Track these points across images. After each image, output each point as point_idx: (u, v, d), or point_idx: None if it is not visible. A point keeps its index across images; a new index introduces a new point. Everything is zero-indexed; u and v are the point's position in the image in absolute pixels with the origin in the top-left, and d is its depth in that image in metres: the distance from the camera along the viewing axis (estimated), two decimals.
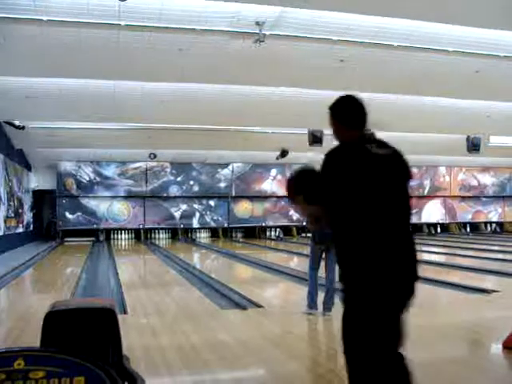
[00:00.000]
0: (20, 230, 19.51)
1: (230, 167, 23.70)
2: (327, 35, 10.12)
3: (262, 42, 9.71)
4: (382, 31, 10.05)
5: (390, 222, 2.77)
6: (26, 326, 6.25)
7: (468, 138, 18.48)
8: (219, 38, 10.02)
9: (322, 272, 7.02)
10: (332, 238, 2.91)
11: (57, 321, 2.03)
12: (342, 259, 2.83)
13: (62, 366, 1.04)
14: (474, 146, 18.51)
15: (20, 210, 19.66)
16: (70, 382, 1.00)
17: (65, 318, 2.07)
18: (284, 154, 20.42)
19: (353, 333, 2.79)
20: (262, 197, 24.09)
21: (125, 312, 7.13)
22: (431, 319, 6.92)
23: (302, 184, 2.93)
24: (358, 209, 2.69)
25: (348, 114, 3.04)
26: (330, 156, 2.80)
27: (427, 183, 26.17)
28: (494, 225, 27.85)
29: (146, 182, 22.94)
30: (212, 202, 23.80)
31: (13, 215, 18.24)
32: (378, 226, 2.72)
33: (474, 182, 27.02)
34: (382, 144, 2.98)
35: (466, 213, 27.13)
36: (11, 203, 18.01)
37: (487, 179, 27.23)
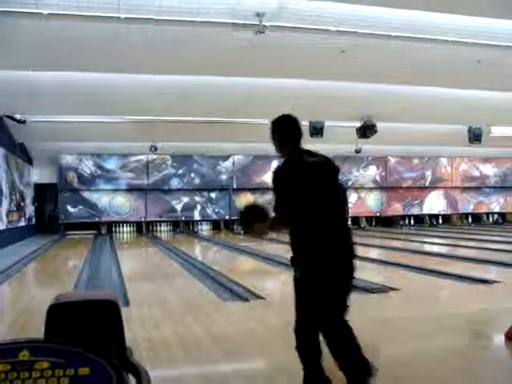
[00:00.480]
0: (22, 223, 19.54)
1: (231, 159, 23.70)
2: (327, 26, 10.09)
3: (263, 33, 9.69)
4: (383, 21, 10.01)
5: (329, 214, 3.50)
6: (30, 319, 6.28)
7: (470, 129, 18.46)
8: (219, 30, 9.99)
9: None
10: (291, 234, 3.63)
11: (60, 313, 2.04)
12: (295, 246, 3.61)
13: (66, 357, 1.05)
14: (475, 137, 18.49)
15: (22, 204, 19.68)
16: (74, 372, 1.00)
17: (68, 310, 2.08)
18: None
19: (309, 301, 3.55)
20: (264, 189, 24.07)
21: (127, 304, 7.15)
22: (433, 310, 6.94)
23: (250, 217, 3.80)
24: (305, 206, 3.45)
25: (288, 132, 3.71)
26: (277, 172, 3.58)
27: (429, 174, 26.16)
28: (495, 215, 27.86)
29: (147, 175, 22.95)
30: (213, 195, 23.82)
31: (15, 209, 18.26)
32: (321, 218, 3.47)
33: (476, 173, 26.99)
34: (313, 154, 3.66)
35: (468, 204, 27.13)
36: (13, 197, 18.03)
37: (489, 170, 27.20)
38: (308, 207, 3.45)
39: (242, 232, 3.78)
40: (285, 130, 3.71)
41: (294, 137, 3.69)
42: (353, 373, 3.54)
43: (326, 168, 3.61)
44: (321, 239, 3.45)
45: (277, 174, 3.58)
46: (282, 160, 3.64)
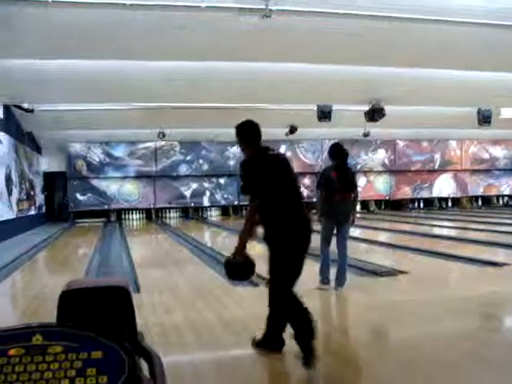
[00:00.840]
0: (32, 212, 19.64)
1: None
2: (335, 9, 10.01)
3: (269, 17, 9.63)
4: (390, 3, 9.92)
5: (289, 197, 4.40)
6: (42, 306, 6.34)
7: (479, 111, 18.33)
8: (225, 15, 9.94)
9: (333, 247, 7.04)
10: (260, 215, 4.36)
11: (72, 299, 2.06)
12: (265, 224, 4.39)
13: (79, 341, 1.06)
14: (484, 119, 18.36)
15: (32, 193, 19.77)
16: (87, 356, 1.01)
17: (80, 296, 2.10)
18: (293, 130, 20.39)
19: (273, 267, 4.42)
20: None
21: (138, 291, 7.19)
22: (443, 293, 6.94)
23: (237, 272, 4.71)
24: (270, 190, 4.33)
25: (250, 135, 4.73)
26: (246, 163, 4.56)
27: (438, 157, 26.03)
28: (505, 198, 27.73)
29: (156, 162, 22.98)
30: (222, 180, 23.84)
31: (25, 198, 18.35)
32: (284, 200, 4.35)
33: (486, 155, 26.84)
34: (270, 149, 4.72)
35: (478, 186, 27.00)
36: (23, 186, 18.11)
37: (498, 152, 27.03)
38: (271, 188, 4.35)
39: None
40: (247, 133, 4.74)
41: (255, 138, 4.70)
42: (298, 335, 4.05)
43: (282, 159, 4.79)
44: (281, 217, 4.32)
45: (245, 164, 4.54)
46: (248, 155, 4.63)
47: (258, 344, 4.43)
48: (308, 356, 3.83)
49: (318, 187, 7.39)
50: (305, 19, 10.24)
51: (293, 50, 11.75)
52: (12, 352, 1.02)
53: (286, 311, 4.29)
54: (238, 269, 4.57)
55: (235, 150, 23.60)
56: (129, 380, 0.99)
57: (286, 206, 4.35)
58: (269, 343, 4.39)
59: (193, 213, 23.87)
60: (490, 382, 3.78)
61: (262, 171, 4.42)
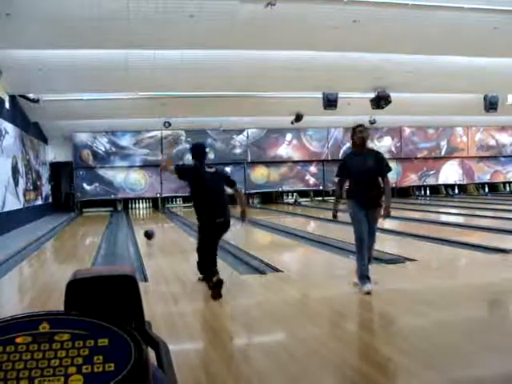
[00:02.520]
0: (39, 202, 19.71)
1: (245, 133, 23.65)
2: None
3: (274, 5, 9.59)
4: None
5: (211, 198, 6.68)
6: (49, 295, 6.36)
7: (485, 97, 18.24)
8: (230, 3, 9.91)
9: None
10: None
11: (79, 289, 2.05)
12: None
13: (86, 328, 1.06)
14: (491, 105, 18.26)
15: (38, 183, 19.83)
16: (94, 343, 1.01)
17: (87, 285, 2.09)
18: (299, 118, 20.35)
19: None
20: (278, 162, 24.07)
21: (145, 280, 7.22)
22: (451, 280, 6.94)
23: None
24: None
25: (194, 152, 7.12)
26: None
27: (444, 144, 25.94)
28: None
29: (162, 151, 23.00)
30: (228, 169, 23.82)
31: (32, 188, 18.40)
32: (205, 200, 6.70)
33: (492, 142, 26.72)
34: (209, 167, 7.04)
35: (484, 173, 26.91)
36: (29, 176, 18.16)
37: (505, 138, 26.92)
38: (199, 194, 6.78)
39: None
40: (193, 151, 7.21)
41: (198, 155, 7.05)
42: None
43: (217, 175, 7.08)
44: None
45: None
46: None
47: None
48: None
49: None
50: (309, 6, 10.20)
51: (298, 38, 11.72)
52: (19, 340, 1.02)
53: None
54: None
55: (241, 139, 23.60)
56: (136, 367, 0.98)
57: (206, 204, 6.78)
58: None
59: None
60: (500, 369, 3.79)
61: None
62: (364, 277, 6.10)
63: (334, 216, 6.82)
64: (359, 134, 6.38)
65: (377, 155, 6.57)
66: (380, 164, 6.45)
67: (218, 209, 6.63)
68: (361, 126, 6.46)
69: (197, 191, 6.72)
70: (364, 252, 6.25)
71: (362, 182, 6.30)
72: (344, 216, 6.89)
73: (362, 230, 6.26)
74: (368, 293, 5.88)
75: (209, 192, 6.61)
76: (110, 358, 0.99)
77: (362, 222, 6.26)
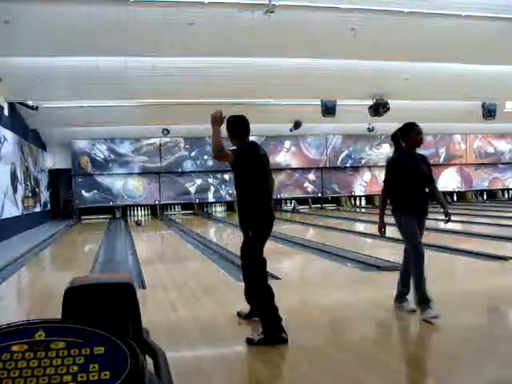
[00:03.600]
0: (38, 209, 19.70)
1: None
2: (337, 3, 10.01)
3: (272, 12, 9.63)
4: None
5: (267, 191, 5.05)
6: (47, 303, 6.35)
7: (483, 105, 18.28)
8: (228, 11, 9.94)
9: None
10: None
11: (76, 296, 2.06)
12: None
13: (82, 336, 1.06)
14: (489, 113, 18.30)
15: (37, 190, 19.82)
16: (90, 351, 1.02)
17: (84, 293, 2.10)
18: (297, 125, 20.37)
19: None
20: (276, 169, 24.04)
21: (143, 287, 7.20)
22: (449, 287, 6.93)
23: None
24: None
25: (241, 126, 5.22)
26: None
27: (442, 151, 25.98)
28: (511, 192, 27.62)
29: (161, 158, 23.00)
30: (227, 176, 23.81)
31: (30, 195, 18.40)
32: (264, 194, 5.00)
33: (491, 149, 26.75)
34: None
35: (483, 180, 26.92)
36: (28, 183, 18.15)
37: (503, 146, 26.94)
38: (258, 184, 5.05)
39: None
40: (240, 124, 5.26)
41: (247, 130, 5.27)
42: (264, 324, 4.64)
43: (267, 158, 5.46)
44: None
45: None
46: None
47: (249, 340, 4.52)
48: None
49: None
50: (307, 14, 10.24)
51: (296, 45, 11.76)
52: (15, 348, 1.02)
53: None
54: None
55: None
56: (132, 375, 0.99)
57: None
58: (270, 335, 4.48)
59: (197, 209, 23.92)
60: (499, 376, 3.78)
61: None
62: (428, 300, 5.24)
63: (382, 231, 5.84)
64: (419, 133, 5.72)
65: (425, 158, 5.87)
66: (430, 168, 5.78)
67: (272, 209, 5.16)
68: (416, 124, 5.87)
69: (256, 183, 4.95)
70: (423, 269, 5.44)
71: (417, 187, 5.54)
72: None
73: (421, 243, 5.53)
74: (436, 317, 4.99)
75: (268, 184, 5.13)
76: (106, 366, 1.00)
77: (418, 235, 5.55)
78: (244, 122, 5.21)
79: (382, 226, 5.80)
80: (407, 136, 5.76)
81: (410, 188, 5.51)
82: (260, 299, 4.79)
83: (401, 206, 5.58)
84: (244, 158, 4.96)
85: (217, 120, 4.88)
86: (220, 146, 4.78)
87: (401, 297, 5.63)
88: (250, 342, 4.47)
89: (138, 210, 23.53)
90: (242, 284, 7.29)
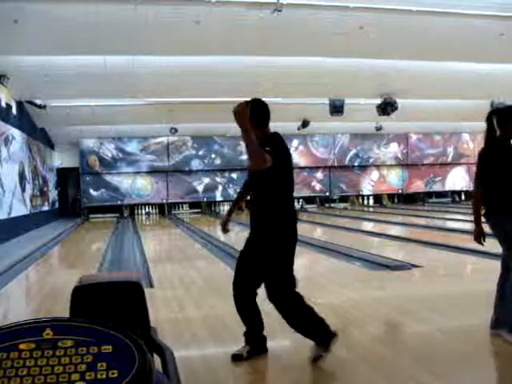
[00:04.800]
0: (46, 208, 19.75)
1: None
2: (345, 2, 9.99)
3: (280, 11, 9.61)
4: None
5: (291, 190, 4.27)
6: (55, 301, 6.37)
7: (492, 104, 18.19)
8: (236, 9, 9.93)
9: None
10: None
11: (84, 295, 2.06)
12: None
13: (89, 335, 1.06)
14: None
15: (45, 189, 19.87)
16: (97, 350, 1.01)
17: (92, 291, 2.11)
18: (305, 124, 20.34)
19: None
20: None
21: (151, 286, 7.21)
22: (457, 286, 6.90)
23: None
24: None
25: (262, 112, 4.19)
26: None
27: (450, 150, 25.88)
28: None
29: (168, 157, 23.02)
30: (234, 175, 23.83)
31: (38, 194, 18.45)
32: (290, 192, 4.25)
33: None
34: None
35: None
36: (36, 182, 18.21)
37: None
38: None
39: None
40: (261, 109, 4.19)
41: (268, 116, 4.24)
42: (316, 338, 3.99)
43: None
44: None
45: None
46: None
47: (315, 358, 3.93)
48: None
49: None
50: (315, 13, 10.22)
51: (304, 44, 11.74)
52: (23, 346, 1.02)
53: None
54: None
55: None
56: (139, 374, 0.98)
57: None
58: (324, 344, 3.97)
59: (205, 207, 23.94)
60: (509, 377, 3.76)
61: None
62: None
63: (482, 238, 4.70)
64: None
65: None
66: None
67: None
68: None
69: (289, 185, 4.27)
70: None
71: None
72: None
73: None
74: None
75: (293, 178, 4.37)
76: (114, 364, 0.99)
77: None
78: (266, 105, 4.22)
79: (480, 232, 4.64)
80: (508, 122, 4.55)
81: (508, 187, 4.44)
82: (296, 315, 4.05)
83: (500, 209, 4.53)
84: (282, 158, 4.05)
85: (242, 115, 3.76)
86: (260, 152, 3.74)
87: (498, 322, 4.47)
88: (316, 358, 3.91)
89: (145, 208, 23.57)
90: None
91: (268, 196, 4.11)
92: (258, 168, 3.84)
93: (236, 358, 4.07)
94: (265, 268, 4.04)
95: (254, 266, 4.12)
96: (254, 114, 3.96)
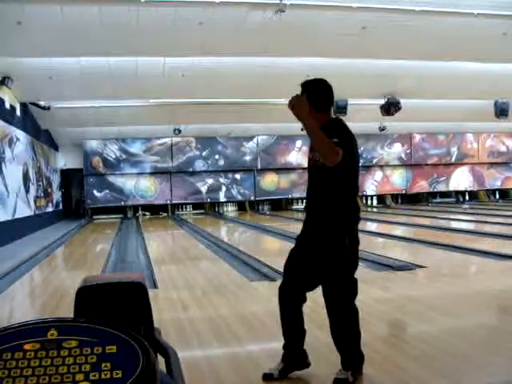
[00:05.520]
0: (50, 209, 19.79)
1: (255, 140, 23.64)
2: (348, 2, 9.98)
3: (283, 12, 9.62)
4: None
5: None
6: (60, 302, 6.38)
7: (496, 103, 18.17)
8: (239, 10, 9.94)
9: None
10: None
11: (88, 295, 2.07)
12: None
13: (94, 335, 1.06)
14: (501, 111, 18.18)
15: (49, 190, 19.91)
16: (102, 350, 1.02)
17: (96, 292, 2.11)
18: None
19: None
20: (288, 169, 24.03)
21: (155, 286, 7.22)
22: (461, 286, 6.90)
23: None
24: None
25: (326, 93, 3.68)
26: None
27: (454, 150, 25.82)
28: None
29: (172, 158, 23.04)
30: (238, 176, 23.83)
31: (42, 195, 18.49)
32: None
33: (503, 148, 26.55)
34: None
35: (495, 179, 26.74)
36: (40, 183, 18.24)
37: None
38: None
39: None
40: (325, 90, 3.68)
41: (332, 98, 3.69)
42: (350, 357, 3.64)
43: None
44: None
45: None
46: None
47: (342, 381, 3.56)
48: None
49: None
50: (319, 13, 10.22)
51: (307, 44, 11.75)
52: (27, 347, 1.03)
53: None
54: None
55: (251, 145, 23.60)
56: (144, 374, 0.99)
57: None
58: (357, 365, 3.65)
59: (209, 208, 23.97)
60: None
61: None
62: None
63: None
64: None
65: None
66: None
67: None
68: None
69: (356, 177, 3.76)
70: None
71: None
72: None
73: None
74: None
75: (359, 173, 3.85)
76: (118, 365, 1.00)
77: None
78: (328, 85, 3.68)
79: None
80: None
81: None
82: (348, 328, 3.68)
83: None
84: (352, 149, 3.57)
85: (302, 107, 3.35)
86: (331, 145, 3.30)
87: None
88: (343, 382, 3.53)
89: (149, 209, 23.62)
90: (254, 284, 7.33)
91: (334, 194, 3.58)
92: (335, 163, 3.32)
93: (266, 377, 3.70)
94: (327, 273, 3.64)
95: (310, 268, 3.68)
96: (312, 95, 3.53)
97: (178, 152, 23.14)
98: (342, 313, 3.66)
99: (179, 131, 21.08)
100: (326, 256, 3.61)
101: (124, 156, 22.63)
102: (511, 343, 4.41)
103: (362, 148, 24.73)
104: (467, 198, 26.42)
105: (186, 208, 24.16)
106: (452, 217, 17.97)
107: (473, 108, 18.98)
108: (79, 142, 21.95)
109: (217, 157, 23.39)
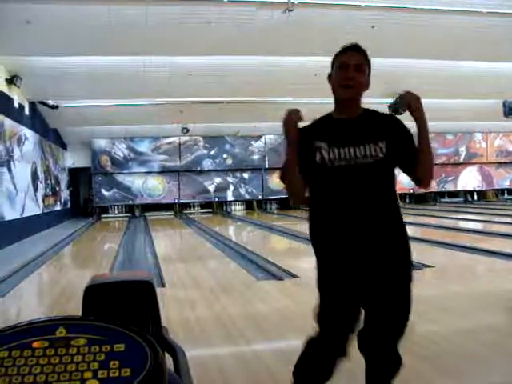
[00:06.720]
0: (58, 207, 19.85)
1: (263, 139, 23.64)
2: (356, 1, 9.96)
3: (291, 11, 9.62)
4: None
5: None
6: (68, 300, 6.40)
7: (504, 103, 18.09)
8: (247, 9, 9.94)
9: None
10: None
11: (96, 294, 2.08)
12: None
13: (102, 333, 1.07)
14: (510, 111, 18.10)
15: (57, 188, 19.98)
16: (110, 348, 1.02)
17: (104, 291, 2.12)
18: None
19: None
20: None
21: (163, 285, 7.23)
22: (470, 287, 6.86)
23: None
24: None
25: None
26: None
27: (463, 150, 25.73)
28: None
29: (180, 157, 23.06)
30: (246, 175, 23.84)
31: (50, 193, 18.55)
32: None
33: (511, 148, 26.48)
34: None
35: (504, 179, 26.64)
36: (48, 182, 18.30)
37: None
38: None
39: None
40: None
41: None
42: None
43: None
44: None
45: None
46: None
47: None
48: None
49: None
50: (326, 12, 10.21)
51: (315, 44, 11.72)
52: (36, 344, 1.03)
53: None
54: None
55: (259, 145, 23.60)
56: (152, 373, 0.99)
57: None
58: None
59: (217, 207, 23.98)
60: None
61: None
62: None
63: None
64: None
65: None
66: None
67: None
68: None
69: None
70: None
71: None
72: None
73: None
74: None
75: None
76: (126, 363, 1.00)
77: None
78: None
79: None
80: None
81: None
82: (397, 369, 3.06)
83: None
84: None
85: (290, 126, 2.85)
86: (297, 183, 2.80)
87: None
88: None
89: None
90: (262, 283, 7.32)
91: (393, 193, 2.93)
92: (299, 202, 2.95)
93: None
94: (394, 294, 2.85)
95: (372, 296, 2.82)
96: (369, 69, 2.94)
97: (186, 151, 23.17)
98: (397, 343, 2.98)
99: (187, 130, 21.11)
100: (400, 271, 2.84)
101: (132, 155, 22.68)
102: None
103: None
104: (475, 197, 26.32)
105: (193, 207, 24.18)
106: (460, 216, 17.91)
107: (481, 108, 18.91)
108: (87, 140, 22.02)
109: (225, 156, 23.41)
